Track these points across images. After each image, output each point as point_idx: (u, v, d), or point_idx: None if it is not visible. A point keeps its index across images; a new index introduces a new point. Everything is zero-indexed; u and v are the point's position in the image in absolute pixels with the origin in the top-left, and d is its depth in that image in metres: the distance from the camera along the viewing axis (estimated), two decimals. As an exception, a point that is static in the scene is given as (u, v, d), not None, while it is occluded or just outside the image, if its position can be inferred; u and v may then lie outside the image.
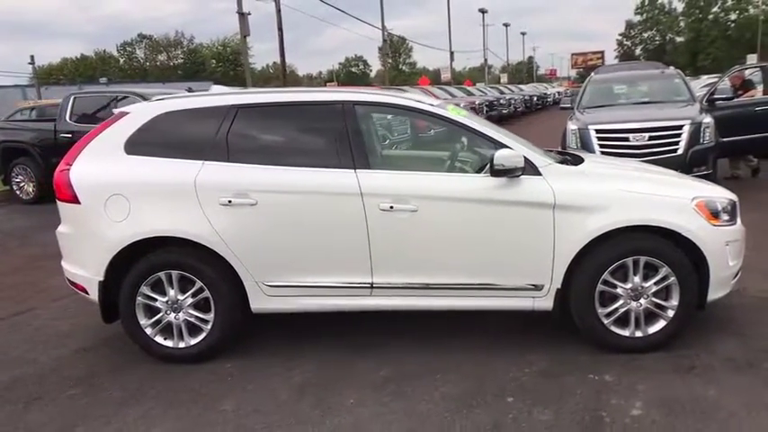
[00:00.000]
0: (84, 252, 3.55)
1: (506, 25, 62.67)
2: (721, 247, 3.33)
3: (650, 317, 3.38)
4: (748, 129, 7.92)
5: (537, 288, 3.36)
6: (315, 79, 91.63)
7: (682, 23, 71.09)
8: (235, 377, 3.38)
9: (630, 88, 9.00)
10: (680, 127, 7.08)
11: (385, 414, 2.91)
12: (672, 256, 3.28)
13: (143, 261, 3.47)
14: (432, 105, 3.61)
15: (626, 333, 3.37)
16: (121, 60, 72.81)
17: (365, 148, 3.46)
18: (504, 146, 3.34)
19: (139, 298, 3.49)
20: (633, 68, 10.24)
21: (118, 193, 3.43)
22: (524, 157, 3.27)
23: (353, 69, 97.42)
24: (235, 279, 3.45)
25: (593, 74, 9.72)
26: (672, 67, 9.48)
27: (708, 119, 7.19)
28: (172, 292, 3.49)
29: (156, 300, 3.50)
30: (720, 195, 3.48)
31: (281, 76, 26.05)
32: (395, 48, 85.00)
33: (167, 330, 3.55)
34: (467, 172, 3.63)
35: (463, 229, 3.34)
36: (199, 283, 3.46)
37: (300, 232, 3.39)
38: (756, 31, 52.37)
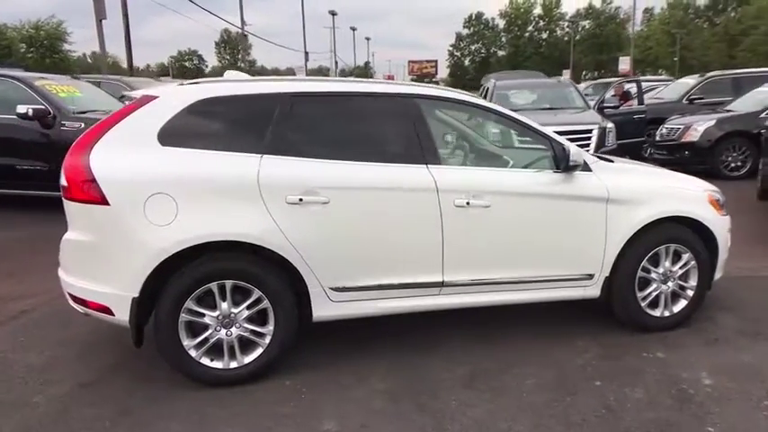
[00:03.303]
0: (112, 264, 2.95)
1: (353, 29, 64.11)
2: (726, 234, 3.87)
3: (674, 297, 3.80)
4: (627, 134, 9.21)
5: (590, 277, 3.58)
6: (143, 72, 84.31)
7: (503, 39, 79.24)
8: (307, 393, 3.07)
9: (531, 95, 9.88)
10: (590, 131, 7.99)
11: (499, 411, 2.88)
12: (693, 243, 3.73)
13: (189, 271, 2.98)
14: (488, 102, 3.64)
15: (657, 314, 3.75)
16: None
17: (434, 142, 3.37)
18: (560, 143, 3.50)
19: (183, 315, 2.99)
20: (526, 77, 11.24)
21: (161, 192, 2.90)
22: (580, 155, 3.47)
23: (187, 63, 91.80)
24: (298, 285, 3.13)
25: (495, 81, 10.46)
26: (564, 77, 10.59)
27: (611, 124, 8.22)
28: (224, 306, 3.05)
29: (203, 315, 3.03)
30: (715, 189, 4.02)
31: (128, 67, 23.47)
32: (233, 44, 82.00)
33: (214, 350, 3.09)
34: (525, 167, 3.69)
35: (530, 223, 3.43)
36: (256, 293, 3.07)
37: (373, 232, 3.20)
38: (563, 49, 60.57)
